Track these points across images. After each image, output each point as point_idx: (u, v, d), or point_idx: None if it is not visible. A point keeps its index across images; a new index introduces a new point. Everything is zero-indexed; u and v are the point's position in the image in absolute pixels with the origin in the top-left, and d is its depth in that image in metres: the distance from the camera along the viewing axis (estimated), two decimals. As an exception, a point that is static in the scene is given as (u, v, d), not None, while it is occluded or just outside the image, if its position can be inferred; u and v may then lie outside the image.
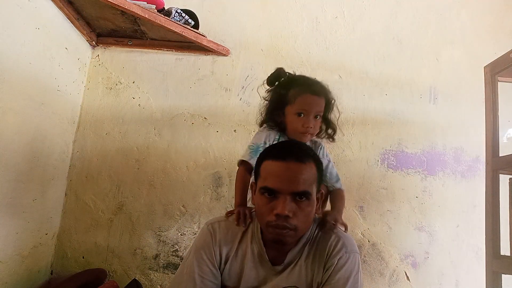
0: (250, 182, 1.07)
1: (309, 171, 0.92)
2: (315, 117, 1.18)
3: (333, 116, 1.25)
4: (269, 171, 0.92)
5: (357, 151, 1.82)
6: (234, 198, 1.19)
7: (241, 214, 1.05)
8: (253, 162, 1.16)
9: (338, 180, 1.27)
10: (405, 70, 1.90)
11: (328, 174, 1.25)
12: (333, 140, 1.27)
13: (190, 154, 1.83)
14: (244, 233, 1.03)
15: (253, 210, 1.07)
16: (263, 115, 1.26)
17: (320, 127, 1.24)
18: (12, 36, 1.37)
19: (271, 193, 0.90)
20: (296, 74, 1.26)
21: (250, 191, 1.07)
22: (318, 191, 0.97)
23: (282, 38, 1.95)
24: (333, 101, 1.23)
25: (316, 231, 1.03)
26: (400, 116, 1.85)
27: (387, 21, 1.96)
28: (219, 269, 1.00)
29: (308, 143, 1.22)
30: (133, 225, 1.78)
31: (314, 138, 1.26)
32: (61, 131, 1.75)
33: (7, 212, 1.42)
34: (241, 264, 0.99)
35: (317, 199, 0.96)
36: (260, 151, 1.15)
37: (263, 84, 1.26)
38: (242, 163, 1.21)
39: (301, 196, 0.90)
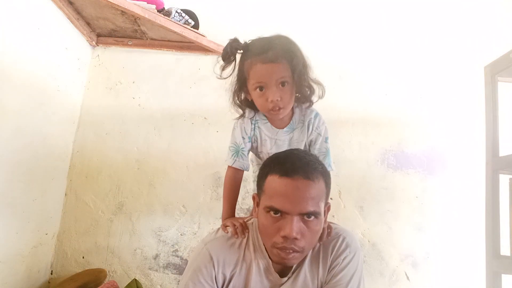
0: (252, 194, 0.99)
1: (318, 188, 0.86)
2: (281, 85, 0.99)
3: (310, 74, 1.05)
4: (275, 189, 0.85)
5: (357, 151, 1.82)
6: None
7: (237, 226, 0.99)
8: (238, 164, 1.11)
9: (324, 159, 1.10)
10: (405, 70, 1.90)
11: (315, 151, 1.10)
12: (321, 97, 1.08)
13: (190, 154, 1.83)
14: (246, 246, 0.97)
15: (247, 219, 1.03)
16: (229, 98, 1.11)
17: (302, 93, 1.04)
18: (12, 36, 1.38)
19: (277, 212, 0.85)
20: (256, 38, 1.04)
21: (253, 202, 1.01)
22: (326, 204, 0.93)
23: (282, 38, 1.94)
24: (299, 60, 1.02)
25: None
26: (400, 116, 1.85)
27: (387, 21, 1.95)
28: None
29: (297, 111, 1.11)
30: (133, 225, 1.78)
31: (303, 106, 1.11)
32: (61, 131, 1.75)
33: (7, 212, 1.42)
34: (246, 278, 0.95)
35: (324, 212, 0.92)
36: (243, 150, 1.11)
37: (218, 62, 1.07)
38: (229, 167, 1.12)
39: (309, 215, 0.85)
